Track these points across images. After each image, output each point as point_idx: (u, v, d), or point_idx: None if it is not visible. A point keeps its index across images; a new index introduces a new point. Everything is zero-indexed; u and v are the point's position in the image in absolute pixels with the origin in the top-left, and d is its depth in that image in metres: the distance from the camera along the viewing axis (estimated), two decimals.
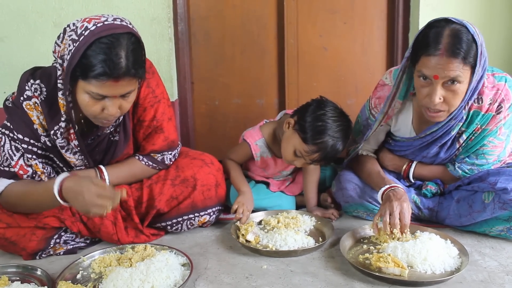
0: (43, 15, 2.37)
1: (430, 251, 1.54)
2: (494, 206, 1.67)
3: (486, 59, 1.62)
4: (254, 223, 1.88)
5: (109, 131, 1.70)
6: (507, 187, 1.63)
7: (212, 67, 2.70)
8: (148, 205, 1.80)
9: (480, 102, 1.74)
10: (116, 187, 1.50)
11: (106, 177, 1.76)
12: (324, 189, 2.20)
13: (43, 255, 1.69)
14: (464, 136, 1.79)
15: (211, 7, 2.62)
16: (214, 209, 1.88)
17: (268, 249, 1.69)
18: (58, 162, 1.68)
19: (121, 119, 1.68)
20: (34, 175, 1.62)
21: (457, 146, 1.82)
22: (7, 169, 1.63)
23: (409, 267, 1.52)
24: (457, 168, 1.85)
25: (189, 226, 1.87)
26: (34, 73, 1.59)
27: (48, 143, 1.62)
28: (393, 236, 1.65)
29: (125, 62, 1.39)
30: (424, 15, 2.48)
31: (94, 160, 1.73)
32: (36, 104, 1.57)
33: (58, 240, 1.71)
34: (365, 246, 1.70)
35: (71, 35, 1.41)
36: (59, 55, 1.47)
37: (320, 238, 1.78)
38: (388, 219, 1.64)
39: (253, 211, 1.95)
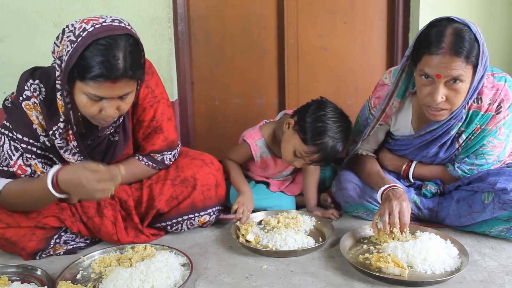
0: (43, 15, 2.37)
1: (430, 251, 1.54)
2: (494, 206, 1.67)
3: (487, 58, 1.62)
4: (254, 223, 1.88)
5: (109, 132, 1.70)
6: (507, 187, 1.63)
7: (212, 67, 2.70)
8: (148, 205, 1.80)
9: (480, 102, 1.74)
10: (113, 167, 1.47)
11: None
12: (324, 189, 2.20)
13: (43, 255, 1.69)
14: (464, 136, 1.79)
15: (211, 7, 2.62)
16: (214, 209, 1.88)
17: (268, 249, 1.69)
18: (57, 162, 1.68)
19: (121, 119, 1.68)
20: (33, 175, 1.63)
21: (457, 146, 1.82)
22: (5, 168, 1.63)
23: (409, 267, 1.52)
24: (456, 168, 1.85)
25: (189, 226, 1.87)
26: (34, 73, 1.59)
27: (47, 143, 1.62)
28: (393, 236, 1.65)
29: (122, 63, 1.39)
30: (424, 15, 2.48)
31: (94, 161, 1.73)
32: (35, 104, 1.57)
33: (58, 240, 1.71)
34: (365, 246, 1.70)
35: (69, 36, 1.41)
36: (57, 56, 1.47)
37: (320, 238, 1.78)
38: (387, 219, 1.64)
39: (253, 211, 1.95)
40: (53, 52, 1.48)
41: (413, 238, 1.66)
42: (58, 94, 1.49)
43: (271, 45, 2.68)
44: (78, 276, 1.54)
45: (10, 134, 1.60)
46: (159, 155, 1.84)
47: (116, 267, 1.53)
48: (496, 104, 1.74)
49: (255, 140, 2.08)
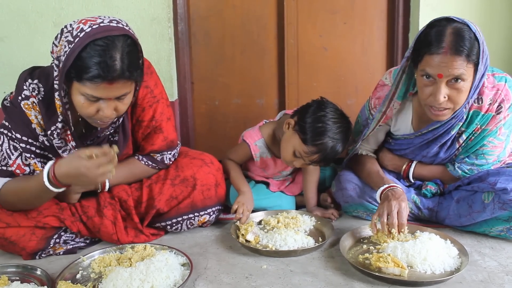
0: (43, 15, 2.37)
1: (430, 251, 1.54)
2: (494, 206, 1.67)
3: (487, 57, 1.62)
4: (254, 223, 1.88)
5: (108, 132, 1.70)
6: (507, 187, 1.63)
7: (212, 67, 2.70)
8: (148, 205, 1.80)
9: (480, 102, 1.74)
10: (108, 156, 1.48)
11: None
12: (324, 189, 2.20)
13: (42, 255, 1.69)
14: (464, 136, 1.79)
15: (211, 7, 2.62)
16: (213, 209, 1.88)
17: (268, 249, 1.69)
18: None
19: (120, 120, 1.68)
20: (31, 174, 1.62)
21: (457, 146, 1.82)
22: (4, 168, 1.63)
23: (409, 267, 1.52)
24: (457, 168, 1.85)
25: (189, 226, 1.87)
26: (32, 72, 1.59)
27: (46, 142, 1.62)
28: (392, 236, 1.65)
29: (119, 64, 1.38)
30: (424, 15, 2.48)
31: None
32: (34, 104, 1.57)
33: (57, 240, 1.71)
34: (365, 246, 1.70)
35: (67, 36, 1.41)
36: (56, 56, 1.47)
37: (320, 238, 1.78)
38: (385, 219, 1.64)
39: (253, 211, 1.95)
40: (51, 52, 1.48)
41: (413, 238, 1.66)
42: (56, 94, 1.49)
43: (271, 45, 2.67)
44: (78, 276, 1.54)
45: (9, 134, 1.60)
46: (159, 155, 1.84)
47: (115, 267, 1.53)
48: (496, 104, 1.74)
49: (255, 140, 2.08)
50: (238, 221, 1.84)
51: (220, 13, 2.63)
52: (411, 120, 1.90)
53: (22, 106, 1.57)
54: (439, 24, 1.61)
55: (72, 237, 1.75)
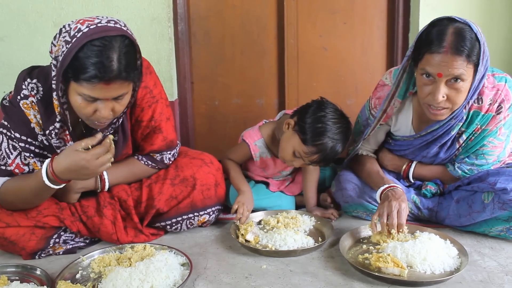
0: (43, 15, 2.37)
1: (430, 251, 1.54)
2: (494, 206, 1.67)
3: (488, 58, 1.62)
4: (254, 223, 1.88)
5: (108, 133, 1.69)
6: (507, 187, 1.63)
7: (212, 67, 2.70)
8: (148, 204, 1.80)
9: (480, 102, 1.74)
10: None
11: (106, 177, 1.76)
12: (323, 189, 2.20)
13: (42, 255, 1.70)
14: (464, 136, 1.79)
15: (211, 7, 2.62)
16: (213, 209, 1.88)
17: (267, 249, 1.69)
18: None
19: (120, 121, 1.68)
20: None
21: (457, 146, 1.82)
22: (3, 167, 1.63)
23: (409, 267, 1.52)
24: (456, 168, 1.85)
25: (189, 226, 1.87)
26: (31, 72, 1.59)
27: (45, 142, 1.62)
28: (391, 236, 1.65)
29: (116, 65, 1.38)
30: (424, 15, 2.48)
31: None
32: (33, 103, 1.57)
33: (57, 240, 1.71)
34: (364, 246, 1.70)
35: (65, 36, 1.40)
36: (54, 56, 1.47)
37: (319, 238, 1.78)
38: (385, 220, 1.64)
39: (253, 211, 1.95)
40: (50, 52, 1.48)
41: (413, 238, 1.66)
42: (54, 94, 1.49)
43: (271, 45, 2.68)
44: (78, 275, 1.54)
45: (8, 133, 1.60)
46: (158, 154, 1.84)
47: (115, 267, 1.53)
48: (496, 105, 1.74)
49: (255, 140, 2.08)
50: (238, 221, 1.84)
51: (220, 13, 2.63)
52: (411, 120, 1.90)
53: (21, 105, 1.57)
54: (441, 24, 1.61)
55: (71, 237, 1.75)
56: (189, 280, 1.48)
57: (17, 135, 1.59)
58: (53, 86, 1.47)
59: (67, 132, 1.60)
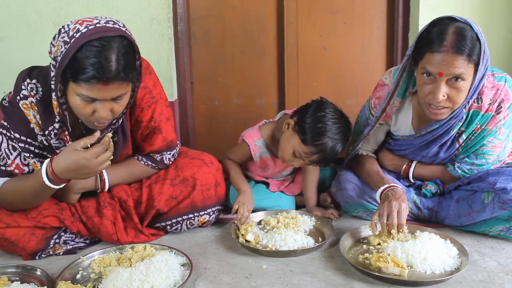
0: (42, 15, 2.37)
1: (430, 251, 1.54)
2: (494, 206, 1.67)
3: (488, 57, 1.62)
4: (254, 223, 1.88)
5: (107, 132, 1.69)
6: (507, 187, 1.63)
7: (212, 67, 2.70)
8: (148, 205, 1.80)
9: (480, 102, 1.74)
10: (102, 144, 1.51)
11: (106, 177, 1.76)
12: (323, 189, 2.20)
13: (42, 255, 1.69)
14: (464, 136, 1.79)
15: (211, 7, 2.62)
16: (213, 209, 1.88)
17: (267, 249, 1.69)
18: None
19: (120, 121, 1.68)
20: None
21: (457, 146, 1.82)
22: (3, 168, 1.62)
23: (409, 267, 1.52)
24: (456, 168, 1.85)
25: (189, 226, 1.87)
26: (31, 72, 1.59)
27: (45, 142, 1.62)
28: (391, 236, 1.65)
29: (115, 65, 1.38)
30: (424, 15, 2.48)
31: None
32: (32, 104, 1.57)
33: (57, 240, 1.71)
34: (364, 246, 1.70)
35: (63, 36, 1.40)
36: (53, 56, 1.47)
37: (319, 238, 1.78)
38: (385, 220, 1.64)
39: (253, 211, 1.95)
40: (49, 53, 1.48)
41: (413, 238, 1.66)
42: (53, 94, 1.49)
43: (271, 45, 2.67)
44: (78, 276, 1.54)
45: (8, 134, 1.60)
46: (158, 155, 1.84)
47: (115, 267, 1.53)
48: (496, 104, 1.74)
49: (254, 140, 2.08)
50: (238, 221, 1.84)
51: (220, 13, 2.63)
52: (411, 119, 1.90)
53: (20, 106, 1.57)
54: (442, 23, 1.61)
55: (72, 237, 1.75)
56: (189, 280, 1.48)
57: (17, 135, 1.59)
58: (52, 86, 1.47)
59: (66, 133, 1.60)
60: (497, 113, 1.74)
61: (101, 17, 1.44)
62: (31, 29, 2.37)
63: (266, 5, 2.62)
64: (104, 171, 1.75)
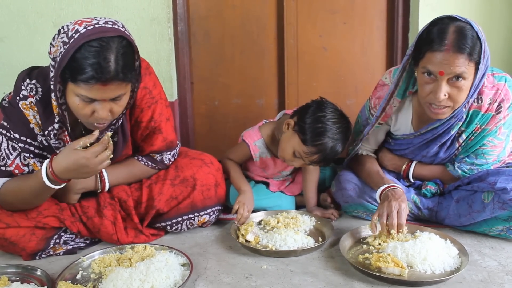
0: (42, 16, 2.37)
1: (430, 251, 1.54)
2: (494, 206, 1.67)
3: (488, 56, 1.62)
4: (254, 223, 1.88)
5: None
6: (507, 187, 1.63)
7: (212, 67, 2.70)
8: (148, 205, 1.80)
9: (480, 101, 1.74)
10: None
11: (106, 177, 1.76)
12: (324, 189, 2.20)
13: (42, 255, 1.70)
14: (464, 136, 1.79)
15: (211, 7, 2.62)
16: (213, 209, 1.88)
17: (268, 249, 1.69)
18: None
19: (120, 122, 1.68)
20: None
21: (457, 145, 1.82)
22: (3, 168, 1.63)
23: (409, 267, 1.52)
24: (456, 168, 1.85)
25: (189, 226, 1.87)
26: (31, 73, 1.59)
27: (45, 142, 1.62)
28: (391, 237, 1.65)
29: (114, 66, 1.38)
30: (423, 15, 2.48)
31: None
32: (32, 104, 1.57)
33: (57, 240, 1.71)
34: (364, 246, 1.70)
35: (63, 37, 1.41)
36: (52, 57, 1.47)
37: (320, 238, 1.78)
38: (385, 220, 1.64)
39: (253, 211, 1.95)
40: (49, 53, 1.48)
41: (413, 238, 1.66)
42: (52, 95, 1.49)
43: (271, 45, 2.68)
44: (78, 276, 1.55)
45: (8, 134, 1.60)
46: (158, 155, 1.84)
47: (116, 267, 1.53)
48: (496, 104, 1.74)
49: (254, 140, 2.08)
50: (238, 222, 1.84)
51: (220, 13, 2.63)
52: (411, 119, 1.90)
53: (20, 106, 1.57)
54: (442, 22, 1.61)
55: (72, 237, 1.75)
56: (189, 281, 1.48)
57: (17, 135, 1.59)
58: (51, 87, 1.47)
59: (66, 133, 1.61)
60: (497, 113, 1.74)
61: (100, 18, 1.44)
62: (31, 29, 2.37)
63: (266, 5, 2.62)
64: (104, 171, 1.76)
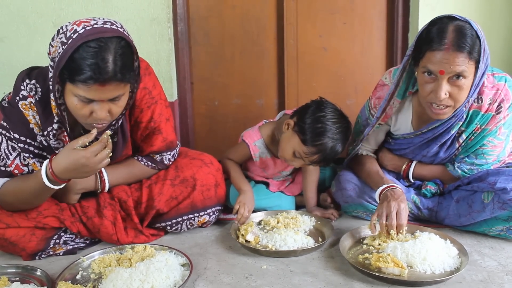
0: (42, 16, 2.37)
1: (430, 251, 1.54)
2: (494, 206, 1.67)
3: (488, 55, 1.63)
4: (254, 223, 1.88)
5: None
6: (507, 187, 1.63)
7: (212, 67, 2.70)
8: (148, 205, 1.80)
9: (480, 101, 1.74)
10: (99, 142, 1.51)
11: (106, 178, 1.76)
12: (323, 189, 2.20)
13: (42, 256, 1.70)
14: (464, 136, 1.79)
15: (211, 7, 2.63)
16: (213, 209, 1.88)
17: (267, 249, 1.69)
18: None
19: (119, 122, 1.68)
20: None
21: (457, 145, 1.82)
22: (3, 168, 1.63)
23: (409, 267, 1.52)
24: (456, 168, 1.85)
25: (189, 226, 1.87)
26: (30, 73, 1.59)
27: (44, 142, 1.62)
28: (391, 237, 1.65)
29: (112, 66, 1.38)
30: (423, 15, 2.48)
31: None
32: (31, 104, 1.57)
33: (57, 241, 1.71)
34: (364, 246, 1.70)
35: (61, 37, 1.41)
36: (51, 57, 1.47)
37: (319, 238, 1.78)
38: (384, 221, 1.64)
39: (253, 211, 1.95)
40: (48, 53, 1.48)
41: (413, 238, 1.66)
42: (51, 95, 1.49)
43: (271, 45, 2.68)
44: (78, 276, 1.55)
45: (8, 134, 1.60)
46: (158, 155, 1.84)
47: (115, 267, 1.53)
48: (496, 104, 1.74)
49: (254, 140, 2.08)
50: (238, 222, 1.84)
51: (220, 13, 2.63)
52: (411, 119, 1.90)
53: (19, 106, 1.57)
54: (441, 22, 1.61)
55: (72, 237, 1.75)
56: (189, 281, 1.48)
57: (16, 135, 1.59)
58: (50, 87, 1.48)
59: (65, 133, 1.61)
60: (497, 113, 1.74)
61: (99, 18, 1.44)
62: (31, 29, 2.37)
63: (266, 6, 2.63)
64: (104, 171, 1.76)
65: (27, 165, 1.62)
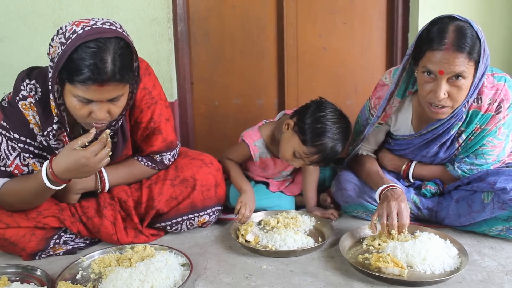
0: (42, 16, 2.37)
1: (430, 251, 1.54)
2: (494, 206, 1.67)
3: (488, 56, 1.63)
4: (254, 223, 1.88)
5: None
6: (507, 187, 1.63)
7: (212, 67, 2.70)
8: (148, 205, 1.80)
9: (480, 102, 1.74)
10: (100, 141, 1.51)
11: (106, 178, 1.76)
12: (323, 189, 2.20)
13: (42, 256, 1.70)
14: (464, 136, 1.79)
15: (211, 7, 2.63)
16: (213, 209, 1.88)
17: (267, 249, 1.69)
18: None
19: (119, 123, 1.68)
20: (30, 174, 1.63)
21: (457, 145, 1.83)
22: (3, 168, 1.63)
23: (409, 267, 1.52)
24: (456, 168, 1.85)
25: (189, 226, 1.87)
26: (30, 73, 1.59)
27: (44, 142, 1.62)
28: (391, 237, 1.65)
29: (110, 67, 1.38)
30: (423, 15, 2.48)
31: None
32: (31, 104, 1.57)
33: (57, 241, 1.71)
34: (364, 246, 1.70)
35: (60, 38, 1.41)
36: (51, 57, 1.47)
37: (319, 238, 1.78)
38: (385, 221, 1.64)
39: (253, 211, 1.95)
40: (48, 54, 1.48)
41: (413, 238, 1.66)
42: (51, 95, 1.49)
43: (271, 45, 2.68)
44: (78, 276, 1.55)
45: (8, 134, 1.60)
46: (158, 155, 1.84)
47: (115, 267, 1.53)
48: (496, 104, 1.74)
49: (254, 140, 2.08)
50: (239, 222, 1.84)
51: (220, 13, 2.63)
52: (411, 119, 1.90)
53: (19, 106, 1.57)
54: (442, 22, 1.61)
55: (72, 237, 1.75)
56: (189, 281, 1.48)
57: (16, 135, 1.59)
58: (49, 87, 1.48)
59: (65, 134, 1.61)
60: (497, 113, 1.74)
61: (98, 18, 1.44)
62: (31, 30, 2.37)
63: (266, 6, 2.63)
64: (104, 171, 1.76)
65: (27, 165, 1.62)
